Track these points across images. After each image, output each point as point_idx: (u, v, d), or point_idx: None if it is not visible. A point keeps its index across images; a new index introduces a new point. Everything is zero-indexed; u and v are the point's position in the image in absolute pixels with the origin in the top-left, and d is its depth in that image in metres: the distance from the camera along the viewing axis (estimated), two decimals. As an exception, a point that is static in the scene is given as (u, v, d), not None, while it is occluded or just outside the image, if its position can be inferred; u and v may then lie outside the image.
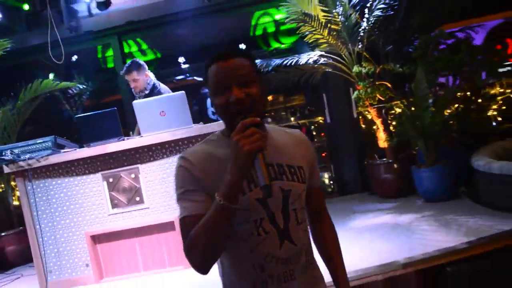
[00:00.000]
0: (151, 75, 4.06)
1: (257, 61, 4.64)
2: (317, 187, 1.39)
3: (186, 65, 7.25)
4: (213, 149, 1.24)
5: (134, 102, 3.48)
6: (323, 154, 5.99)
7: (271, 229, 1.21)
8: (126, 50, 6.35)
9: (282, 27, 6.76)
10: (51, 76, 5.74)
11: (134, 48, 6.93)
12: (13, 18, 5.20)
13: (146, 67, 4.02)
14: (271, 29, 7.13)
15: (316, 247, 1.41)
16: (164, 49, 7.04)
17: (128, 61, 4.05)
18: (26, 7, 4.80)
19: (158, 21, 5.30)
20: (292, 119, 6.93)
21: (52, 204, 3.57)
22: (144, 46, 6.86)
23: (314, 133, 6.36)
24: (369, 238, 3.50)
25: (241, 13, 5.86)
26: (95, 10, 5.05)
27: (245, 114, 1.13)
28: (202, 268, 1.16)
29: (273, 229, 1.21)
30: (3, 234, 4.59)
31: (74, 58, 4.75)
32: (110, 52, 6.47)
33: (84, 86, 4.90)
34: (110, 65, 6.89)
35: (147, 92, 3.99)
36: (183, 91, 3.43)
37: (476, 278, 2.77)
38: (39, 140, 3.51)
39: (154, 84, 4.04)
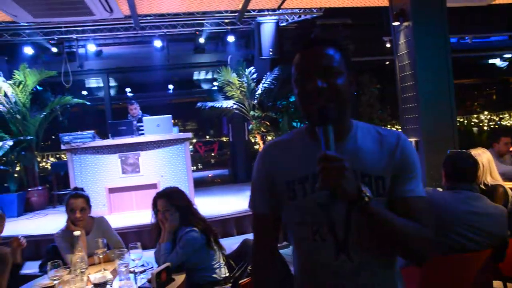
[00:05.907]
0: (139, 108, 7.08)
1: (199, 103, 8.04)
2: (407, 197, 1.11)
3: (131, 94, 10.69)
4: (292, 140, 1.24)
5: (144, 118, 6.53)
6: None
7: (328, 237, 1.11)
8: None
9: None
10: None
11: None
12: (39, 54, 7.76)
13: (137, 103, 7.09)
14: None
15: None
16: (121, 83, 10.21)
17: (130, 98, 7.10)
18: (54, 49, 7.40)
19: (137, 69, 8.41)
20: (207, 136, 10.50)
21: (87, 169, 6.29)
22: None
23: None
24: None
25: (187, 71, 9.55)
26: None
27: (323, 105, 1.05)
28: None
29: (331, 238, 1.11)
30: (29, 189, 6.99)
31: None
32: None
33: (82, 101, 7.59)
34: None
35: (139, 116, 6.95)
36: (170, 115, 6.60)
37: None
38: (84, 132, 6.28)
39: (141, 112, 7.08)
